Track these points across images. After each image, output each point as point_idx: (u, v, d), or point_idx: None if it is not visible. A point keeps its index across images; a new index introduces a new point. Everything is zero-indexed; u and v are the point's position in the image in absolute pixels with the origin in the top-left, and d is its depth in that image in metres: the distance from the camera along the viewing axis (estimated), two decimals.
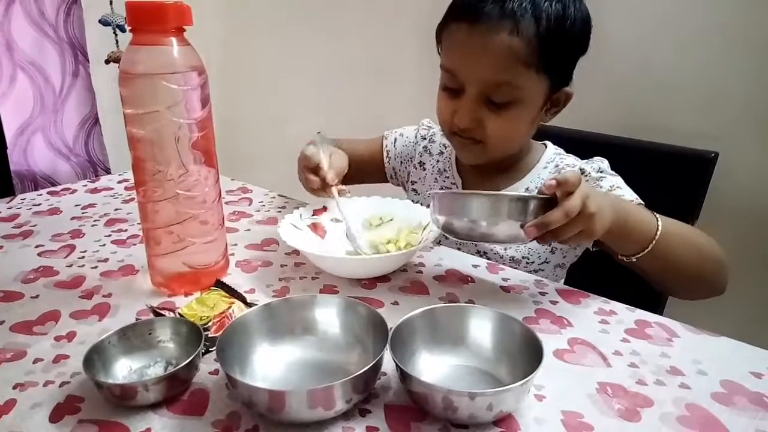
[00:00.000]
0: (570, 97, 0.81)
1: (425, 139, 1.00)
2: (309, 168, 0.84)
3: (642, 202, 0.76)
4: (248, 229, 0.89)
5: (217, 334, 0.58)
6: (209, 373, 0.54)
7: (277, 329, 0.56)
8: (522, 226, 0.58)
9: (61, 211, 0.97)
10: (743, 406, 0.50)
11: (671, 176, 0.93)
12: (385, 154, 1.02)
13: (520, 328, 0.53)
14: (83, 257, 0.79)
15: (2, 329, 0.62)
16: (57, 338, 0.60)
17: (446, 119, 0.82)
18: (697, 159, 0.91)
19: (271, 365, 0.54)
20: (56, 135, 1.71)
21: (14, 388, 0.53)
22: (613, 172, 0.82)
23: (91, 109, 1.74)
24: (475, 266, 0.77)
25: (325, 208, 0.84)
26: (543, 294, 0.69)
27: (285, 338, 0.56)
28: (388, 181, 1.05)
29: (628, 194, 0.77)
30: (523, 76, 0.74)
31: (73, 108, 1.70)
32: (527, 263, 0.84)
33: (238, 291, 0.66)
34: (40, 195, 1.06)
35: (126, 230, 0.89)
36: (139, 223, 0.69)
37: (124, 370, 0.54)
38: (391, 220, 0.83)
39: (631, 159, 0.86)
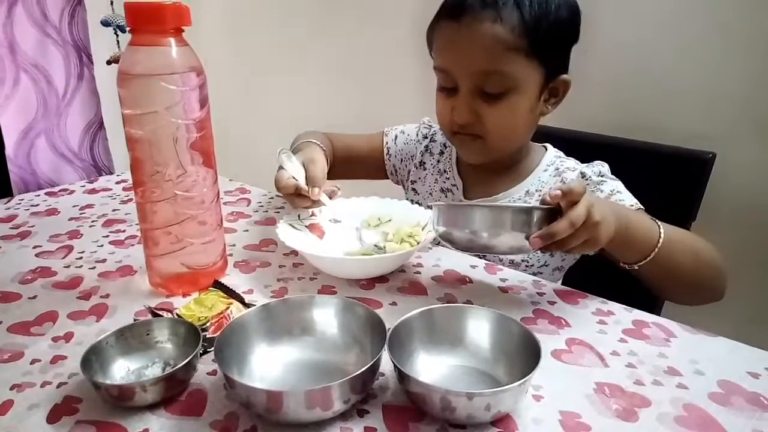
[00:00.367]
0: (568, 84, 0.81)
1: (426, 138, 1.00)
2: (289, 195, 0.81)
3: (642, 207, 0.76)
4: (246, 230, 0.89)
5: (215, 335, 0.58)
6: (207, 373, 0.54)
7: (276, 330, 0.56)
8: (526, 237, 0.58)
9: (59, 212, 0.97)
10: (740, 406, 0.50)
11: (669, 177, 0.93)
12: (385, 151, 1.02)
13: (518, 328, 0.53)
14: (81, 258, 0.79)
15: (0, 330, 0.62)
16: (54, 339, 0.60)
17: (445, 119, 0.82)
18: (695, 159, 0.91)
19: (269, 366, 0.54)
20: (60, 139, 1.70)
21: (11, 389, 0.52)
22: (614, 177, 0.82)
23: (96, 113, 1.73)
24: (473, 267, 0.77)
25: (323, 209, 0.84)
26: (541, 294, 0.69)
27: (283, 339, 0.56)
28: (387, 178, 1.05)
29: (628, 199, 0.77)
30: (512, 63, 0.74)
31: (78, 112, 1.70)
32: (526, 266, 0.84)
33: (236, 291, 0.66)
34: (38, 195, 1.06)
35: (124, 231, 0.89)
36: (137, 224, 0.69)
37: (121, 370, 0.54)
38: (390, 220, 0.83)
39: (629, 159, 0.87)
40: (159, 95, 0.62)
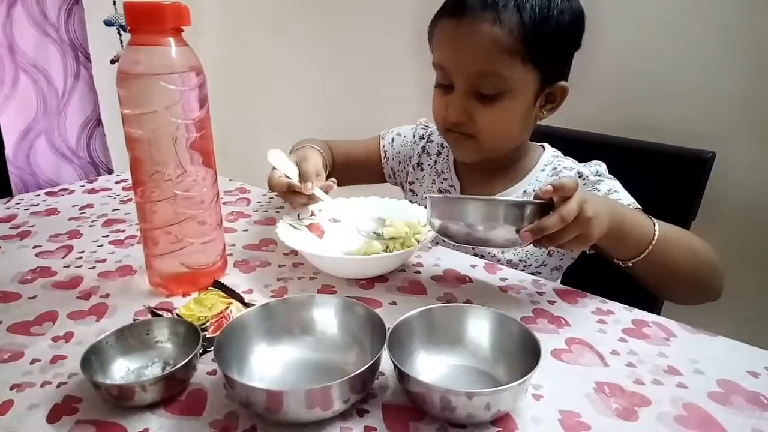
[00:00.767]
0: (566, 92, 0.81)
1: (423, 139, 1.00)
2: (284, 193, 0.81)
3: (639, 206, 0.76)
4: (246, 230, 0.89)
5: (215, 335, 0.58)
6: (207, 373, 0.54)
7: (275, 329, 0.56)
8: (517, 231, 0.58)
9: (59, 212, 0.97)
10: (740, 406, 0.50)
11: (668, 176, 0.93)
12: (382, 155, 1.03)
13: (518, 327, 0.53)
14: (81, 258, 0.79)
15: (0, 330, 0.62)
16: (54, 339, 0.60)
17: (440, 116, 0.82)
18: (695, 159, 0.91)
19: (269, 365, 0.54)
20: (60, 138, 1.70)
21: (11, 388, 0.52)
22: (611, 176, 0.82)
23: (93, 111, 1.73)
24: (472, 266, 0.77)
25: (323, 209, 0.84)
26: (541, 294, 0.69)
27: (283, 338, 0.56)
28: (386, 181, 1.05)
29: (626, 198, 0.77)
30: (509, 66, 0.74)
31: (75, 110, 1.70)
32: (524, 266, 0.84)
33: (236, 291, 0.66)
34: (38, 195, 1.06)
35: (124, 231, 0.89)
36: (137, 224, 0.69)
37: (121, 370, 0.54)
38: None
39: (629, 159, 0.87)
40: (158, 95, 0.62)
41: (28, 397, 0.51)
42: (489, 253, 0.85)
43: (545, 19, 0.73)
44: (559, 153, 0.91)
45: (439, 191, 0.94)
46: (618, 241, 0.66)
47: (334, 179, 0.84)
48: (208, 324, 0.60)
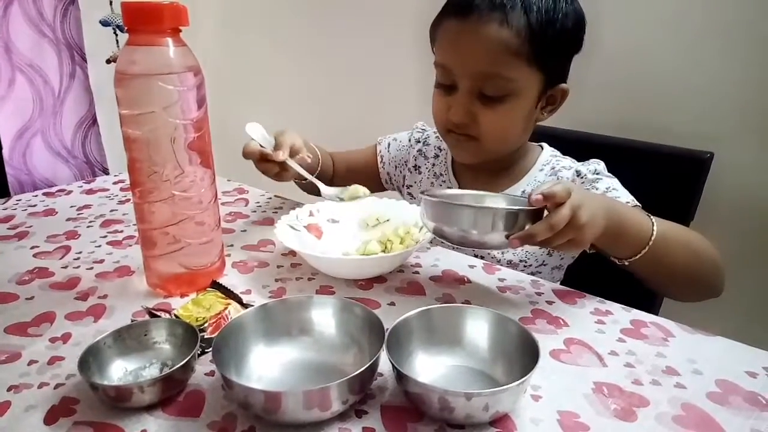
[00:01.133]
0: (566, 94, 0.82)
1: (419, 142, 1.00)
2: (258, 161, 0.82)
3: (638, 204, 0.76)
4: (244, 230, 0.89)
5: (213, 335, 0.58)
6: (205, 374, 0.54)
7: (274, 330, 0.56)
8: (507, 237, 0.59)
9: (57, 212, 0.97)
10: (738, 406, 0.50)
11: (666, 177, 0.93)
12: (379, 160, 1.02)
13: (517, 328, 0.53)
14: (78, 258, 0.79)
15: None
16: (52, 340, 0.60)
17: (441, 117, 0.82)
18: (693, 159, 0.91)
19: (267, 366, 0.54)
20: (56, 137, 1.70)
21: (8, 390, 0.52)
22: (610, 174, 0.82)
23: (88, 110, 1.73)
24: (471, 267, 0.77)
25: (321, 209, 0.84)
26: (539, 294, 0.69)
27: (281, 339, 0.56)
28: (383, 189, 1.05)
29: (624, 196, 0.77)
30: (514, 68, 0.74)
31: (71, 110, 1.69)
32: (524, 266, 0.84)
33: (234, 292, 0.66)
34: (36, 196, 1.06)
35: (122, 231, 0.88)
36: (134, 224, 0.69)
37: (119, 371, 0.54)
38: (388, 220, 0.83)
39: (627, 159, 0.87)
40: (156, 95, 0.62)
41: (26, 399, 0.51)
42: (489, 253, 0.85)
43: (551, 21, 0.73)
44: (557, 152, 0.91)
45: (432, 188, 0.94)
46: (615, 242, 0.66)
47: (309, 154, 0.85)
48: (206, 325, 0.60)
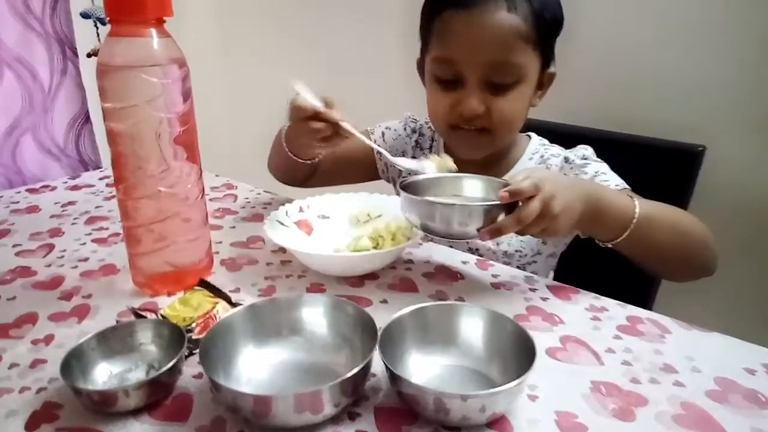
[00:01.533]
0: (553, 77, 0.83)
1: (415, 132, 0.98)
2: (308, 117, 0.74)
3: (627, 186, 0.77)
4: (233, 227, 0.88)
5: (201, 336, 0.56)
6: (193, 376, 0.53)
7: (263, 330, 0.54)
8: (478, 230, 0.61)
9: (40, 209, 0.95)
10: (738, 404, 0.49)
11: (658, 171, 0.92)
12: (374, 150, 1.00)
13: (512, 326, 0.52)
14: (62, 257, 0.77)
15: None
16: (34, 342, 0.58)
17: (444, 113, 0.80)
18: (684, 153, 0.90)
19: (256, 368, 0.52)
20: (47, 135, 1.66)
21: None
22: (598, 159, 0.83)
23: (81, 107, 1.69)
24: (464, 263, 0.75)
25: (311, 205, 0.82)
26: (533, 290, 0.68)
27: (271, 339, 0.54)
28: (378, 179, 1.03)
29: (613, 179, 0.78)
30: (522, 53, 0.75)
31: (63, 106, 1.66)
32: (520, 256, 0.84)
33: (223, 291, 0.64)
34: (19, 193, 1.03)
35: (107, 228, 0.86)
36: (120, 221, 0.67)
37: (104, 374, 0.52)
38: (380, 216, 0.81)
39: (617, 153, 0.85)
40: (140, 88, 0.60)
41: (6, 404, 0.49)
42: (485, 245, 0.84)
43: (545, 5, 0.75)
44: (545, 141, 0.91)
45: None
46: (595, 226, 0.68)
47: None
48: (194, 325, 0.58)
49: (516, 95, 0.77)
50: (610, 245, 0.69)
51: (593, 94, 1.18)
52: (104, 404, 0.47)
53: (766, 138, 1.04)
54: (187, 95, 0.64)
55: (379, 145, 0.98)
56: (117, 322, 0.61)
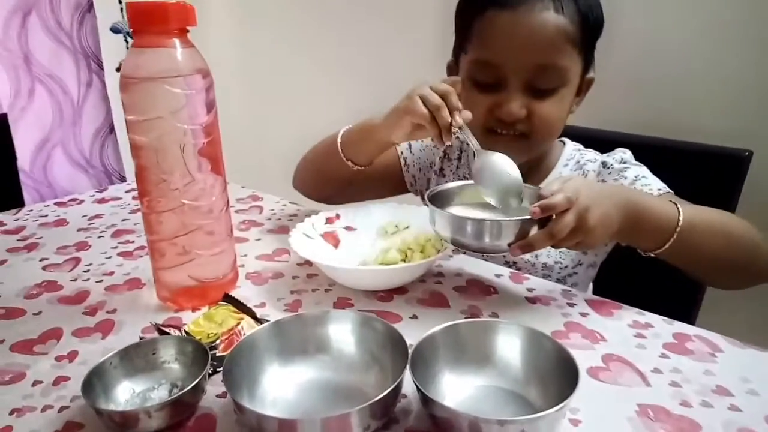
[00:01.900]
0: (592, 82, 0.80)
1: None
2: (448, 103, 0.68)
3: (670, 191, 0.73)
4: (259, 239, 0.86)
5: (225, 353, 0.54)
6: (216, 396, 0.51)
7: (289, 348, 0.52)
8: (509, 245, 0.58)
9: (68, 222, 0.95)
10: None
11: (702, 177, 0.87)
12: (402, 162, 0.97)
13: (552, 344, 0.49)
14: (88, 270, 0.76)
15: (2, 348, 0.59)
16: (58, 358, 0.57)
17: (481, 117, 0.76)
18: (730, 158, 0.86)
19: (282, 387, 0.50)
20: (75, 148, 1.69)
21: (11, 413, 0.49)
22: (638, 162, 0.80)
23: (105, 119, 1.72)
24: (498, 276, 0.72)
25: (338, 216, 0.80)
26: (571, 305, 0.65)
27: (297, 358, 0.52)
28: (406, 191, 0.99)
29: (655, 184, 0.74)
30: (568, 56, 0.72)
31: (88, 119, 1.69)
32: (561, 268, 0.80)
33: (248, 306, 0.63)
34: (47, 206, 1.04)
35: (133, 242, 0.86)
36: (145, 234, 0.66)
37: (126, 393, 0.51)
38: (408, 227, 0.79)
39: (658, 160, 0.81)
40: (163, 99, 0.59)
41: (28, 423, 0.48)
42: (522, 258, 0.81)
43: (590, 7, 0.72)
44: (580, 146, 0.87)
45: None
46: (635, 236, 0.65)
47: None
48: (218, 341, 0.56)
49: (558, 100, 0.74)
50: (653, 254, 0.66)
51: (631, 99, 1.14)
52: (126, 425, 0.46)
53: None
54: (211, 106, 0.63)
55: (406, 158, 0.95)
56: (141, 338, 0.60)
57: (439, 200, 0.66)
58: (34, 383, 0.53)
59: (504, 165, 0.66)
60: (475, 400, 0.49)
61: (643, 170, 0.77)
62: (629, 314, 0.63)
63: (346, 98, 1.79)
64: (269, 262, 0.78)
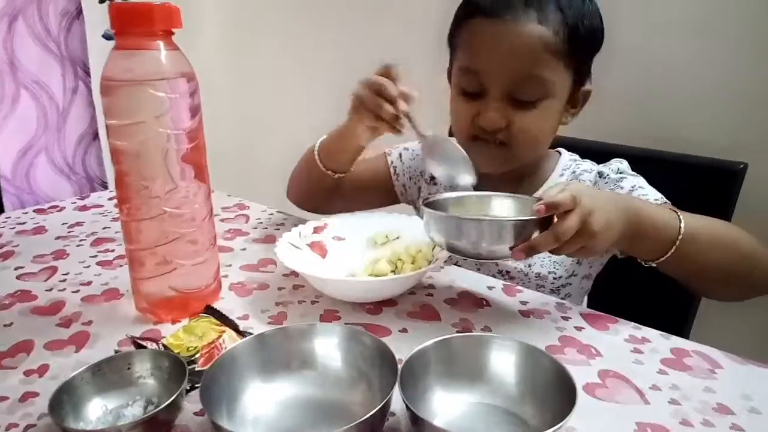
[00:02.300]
0: (589, 95, 0.78)
1: None
2: (384, 96, 0.70)
3: (667, 201, 0.72)
4: (244, 248, 0.83)
5: (204, 368, 0.52)
6: (194, 413, 0.48)
7: (272, 363, 0.50)
8: (511, 248, 0.55)
9: (47, 230, 0.92)
10: None
11: (697, 190, 0.86)
12: (392, 171, 0.96)
13: (548, 360, 0.47)
14: (65, 280, 0.73)
15: None
16: (27, 373, 0.54)
17: (465, 124, 0.76)
18: (724, 171, 0.85)
19: (263, 405, 0.48)
20: (59, 154, 1.66)
21: None
22: (634, 173, 0.78)
23: (89, 125, 1.70)
24: (490, 288, 0.70)
25: (326, 225, 0.78)
26: (566, 319, 0.63)
27: (280, 373, 0.50)
28: (397, 202, 0.98)
29: (652, 194, 0.73)
30: (550, 68, 0.70)
31: (73, 125, 1.66)
32: (554, 278, 0.78)
33: (230, 318, 0.60)
34: (26, 213, 1.00)
35: (113, 250, 0.83)
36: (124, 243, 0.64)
37: (97, 410, 0.48)
38: (398, 238, 0.77)
39: (653, 172, 0.80)
40: (146, 103, 0.57)
41: None
42: (516, 268, 0.79)
43: (582, 19, 0.70)
44: (576, 156, 0.86)
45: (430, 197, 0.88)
46: (637, 244, 0.63)
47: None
48: (197, 356, 0.54)
49: (540, 112, 0.73)
50: (653, 264, 0.64)
51: (627, 111, 1.13)
52: None
53: None
54: (195, 111, 0.61)
55: (395, 167, 0.94)
56: (116, 351, 0.57)
57: (434, 209, 0.65)
58: (0, 399, 0.50)
59: (451, 143, 0.70)
60: (467, 419, 0.46)
61: (640, 180, 0.76)
62: (625, 328, 0.61)
63: (338, 103, 1.77)
64: (254, 273, 0.75)
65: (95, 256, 0.81)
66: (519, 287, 0.71)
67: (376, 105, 0.70)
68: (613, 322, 0.62)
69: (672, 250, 0.62)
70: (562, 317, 0.63)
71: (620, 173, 0.78)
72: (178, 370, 0.49)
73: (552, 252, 0.56)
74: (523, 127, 0.73)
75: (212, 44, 2.00)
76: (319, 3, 1.74)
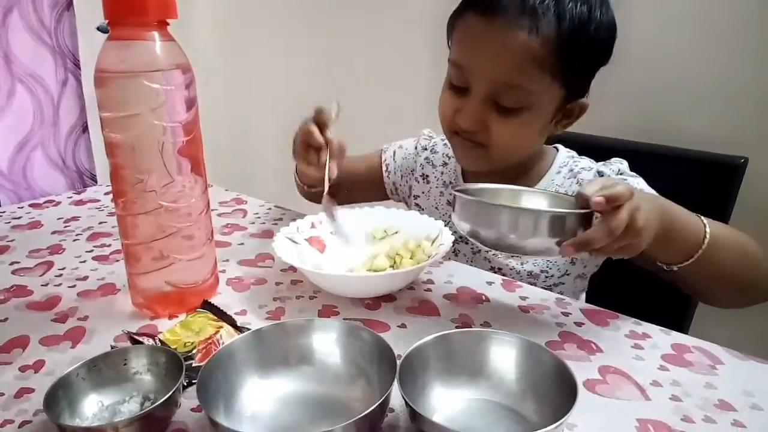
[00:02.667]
0: (585, 109, 0.75)
1: (426, 149, 0.93)
2: (310, 146, 0.76)
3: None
4: (241, 243, 0.83)
5: (202, 363, 0.51)
6: (191, 409, 0.48)
7: (269, 358, 0.49)
8: (558, 243, 0.52)
9: (42, 225, 0.91)
10: None
11: (697, 184, 0.86)
12: (384, 168, 0.96)
13: (548, 356, 0.46)
14: (61, 275, 0.73)
15: None
16: (22, 368, 0.54)
17: (447, 117, 0.75)
18: (725, 165, 0.84)
19: (261, 401, 0.47)
20: (54, 148, 1.65)
21: None
22: (634, 174, 0.77)
23: (78, 117, 1.69)
24: (489, 283, 0.70)
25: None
26: (566, 314, 0.62)
27: (278, 369, 0.49)
28: (389, 198, 0.98)
29: None
30: (536, 80, 0.68)
31: (64, 118, 1.65)
32: (546, 277, 0.78)
33: (228, 313, 0.59)
34: (21, 207, 1.00)
35: (110, 245, 0.82)
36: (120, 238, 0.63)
37: (93, 406, 0.47)
38: (397, 232, 0.76)
39: (653, 166, 0.80)
40: (141, 95, 0.56)
41: None
42: (508, 265, 0.78)
43: (583, 31, 0.66)
44: (573, 153, 0.84)
45: (448, 203, 0.88)
46: (664, 246, 0.60)
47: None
48: (194, 351, 0.53)
49: (520, 121, 0.70)
50: (675, 268, 0.63)
51: (626, 106, 1.12)
52: None
53: None
54: (191, 103, 0.60)
55: (388, 165, 0.95)
56: (112, 347, 0.56)
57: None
58: None
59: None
60: (467, 415, 0.46)
61: (640, 181, 0.74)
62: (626, 324, 0.61)
63: (337, 95, 1.76)
64: (252, 268, 0.74)
65: (91, 251, 0.80)
66: (519, 283, 0.70)
67: (302, 156, 0.77)
68: (614, 318, 0.62)
69: (697, 255, 0.61)
70: (562, 313, 0.63)
71: (620, 174, 0.76)
72: (174, 365, 0.48)
73: (596, 251, 0.53)
74: (499, 134, 0.71)
75: (209, 36, 1.98)
76: None
